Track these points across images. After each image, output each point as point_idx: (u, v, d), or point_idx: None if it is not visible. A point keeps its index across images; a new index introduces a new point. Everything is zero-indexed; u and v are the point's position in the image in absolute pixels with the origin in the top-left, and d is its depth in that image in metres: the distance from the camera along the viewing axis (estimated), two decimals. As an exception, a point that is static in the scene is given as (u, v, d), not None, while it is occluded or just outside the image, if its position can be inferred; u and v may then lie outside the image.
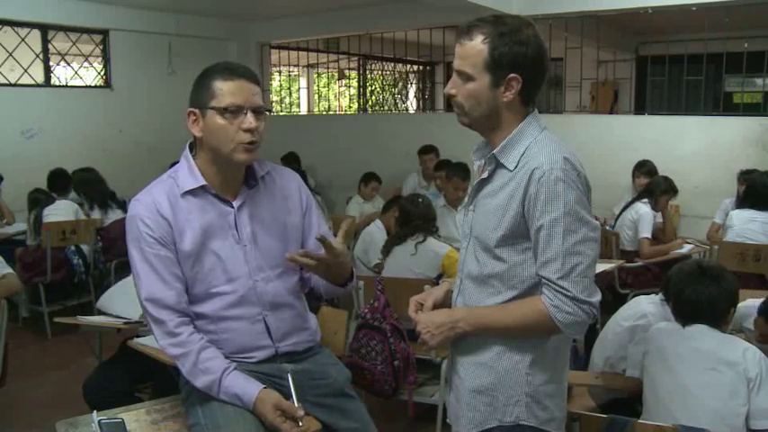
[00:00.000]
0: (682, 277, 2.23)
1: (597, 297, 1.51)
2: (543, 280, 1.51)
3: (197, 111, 1.80)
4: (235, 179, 1.89)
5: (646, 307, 2.65)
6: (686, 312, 2.19)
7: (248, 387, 1.79)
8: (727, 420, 1.97)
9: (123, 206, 5.61)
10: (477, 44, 1.53)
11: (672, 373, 2.11)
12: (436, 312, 1.66)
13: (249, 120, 1.78)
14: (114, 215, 5.39)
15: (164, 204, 1.81)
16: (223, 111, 1.76)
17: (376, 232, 4.32)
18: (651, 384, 2.18)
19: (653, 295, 2.72)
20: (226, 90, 1.77)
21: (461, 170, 4.55)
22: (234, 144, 1.78)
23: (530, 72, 1.54)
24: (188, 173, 1.85)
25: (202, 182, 1.84)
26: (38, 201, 5.16)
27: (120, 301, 2.83)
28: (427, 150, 6.27)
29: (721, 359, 2.03)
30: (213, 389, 1.79)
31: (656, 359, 2.19)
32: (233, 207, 1.88)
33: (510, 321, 1.55)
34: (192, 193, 1.84)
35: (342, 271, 1.92)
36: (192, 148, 1.90)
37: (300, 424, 1.75)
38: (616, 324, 2.70)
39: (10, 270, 3.02)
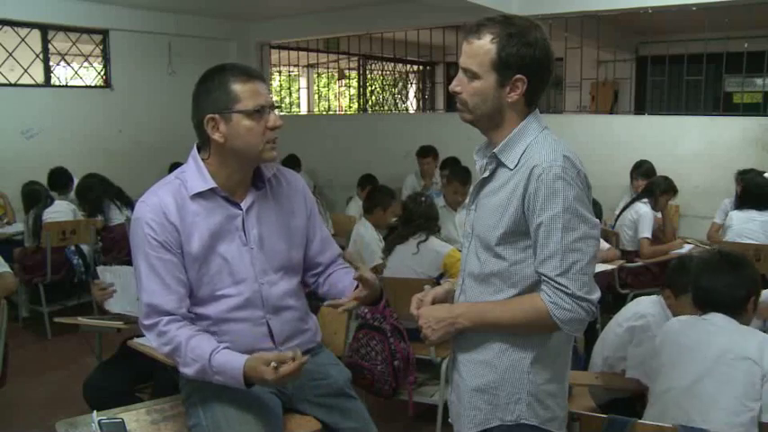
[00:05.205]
0: (701, 265, 2.20)
1: (596, 294, 1.51)
2: (542, 277, 1.51)
3: (217, 116, 1.78)
4: (246, 181, 1.89)
5: (645, 308, 2.64)
6: (703, 300, 2.14)
7: (234, 361, 1.71)
8: (740, 416, 1.93)
9: (133, 205, 5.60)
10: (486, 43, 1.53)
11: (684, 369, 2.06)
12: (437, 307, 1.67)
13: (274, 117, 1.81)
14: (119, 215, 5.36)
15: (170, 207, 1.80)
16: (252, 112, 1.77)
17: (365, 232, 4.27)
18: (664, 379, 2.12)
19: (654, 296, 2.72)
20: (247, 92, 1.78)
21: (462, 174, 4.54)
22: (263, 144, 1.80)
23: (536, 74, 1.55)
24: (197, 175, 1.84)
25: (212, 184, 1.83)
26: (33, 194, 5.13)
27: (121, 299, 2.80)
28: (425, 153, 6.21)
29: (736, 354, 1.98)
30: (207, 374, 1.74)
31: (669, 354, 2.13)
32: (241, 209, 1.87)
33: (509, 317, 1.56)
34: (200, 195, 1.83)
35: (375, 294, 1.92)
36: (199, 150, 1.89)
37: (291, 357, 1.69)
38: (616, 324, 2.70)
39: (7, 269, 3.02)
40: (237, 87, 1.77)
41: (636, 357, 2.52)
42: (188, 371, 1.76)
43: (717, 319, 2.09)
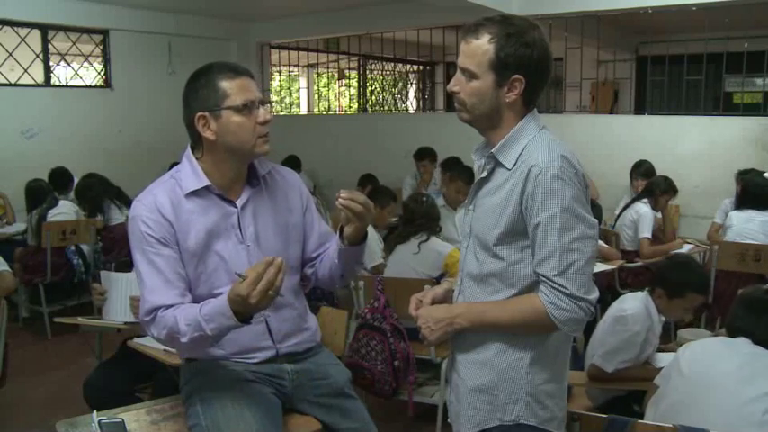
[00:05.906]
0: (748, 300, 2.13)
1: (594, 294, 1.51)
2: (540, 277, 1.51)
3: (207, 114, 1.79)
4: (240, 179, 1.90)
5: (627, 302, 2.67)
6: (740, 333, 2.07)
7: (218, 301, 1.65)
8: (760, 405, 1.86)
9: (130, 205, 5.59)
10: (484, 43, 1.53)
11: (704, 372, 2.00)
12: (435, 308, 1.67)
13: (264, 112, 1.81)
14: (119, 214, 5.37)
15: (165, 205, 1.80)
16: (241, 108, 1.78)
17: None
18: (679, 378, 2.06)
19: (639, 293, 2.73)
20: (235, 88, 1.78)
21: (467, 173, 4.53)
22: (254, 139, 1.80)
23: (534, 74, 1.55)
24: (191, 173, 1.84)
25: (206, 182, 1.83)
26: (38, 191, 5.13)
27: (119, 308, 2.81)
28: (421, 156, 6.16)
29: (759, 353, 1.95)
30: (203, 330, 1.66)
31: (687, 357, 2.08)
32: (236, 207, 1.88)
33: (508, 318, 1.56)
34: (195, 193, 1.83)
35: (365, 224, 1.86)
36: (192, 149, 1.89)
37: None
38: (602, 322, 2.73)
39: (6, 268, 3.02)
40: (225, 84, 1.78)
41: (605, 347, 2.56)
42: (186, 339, 1.69)
43: (744, 342, 2.03)
